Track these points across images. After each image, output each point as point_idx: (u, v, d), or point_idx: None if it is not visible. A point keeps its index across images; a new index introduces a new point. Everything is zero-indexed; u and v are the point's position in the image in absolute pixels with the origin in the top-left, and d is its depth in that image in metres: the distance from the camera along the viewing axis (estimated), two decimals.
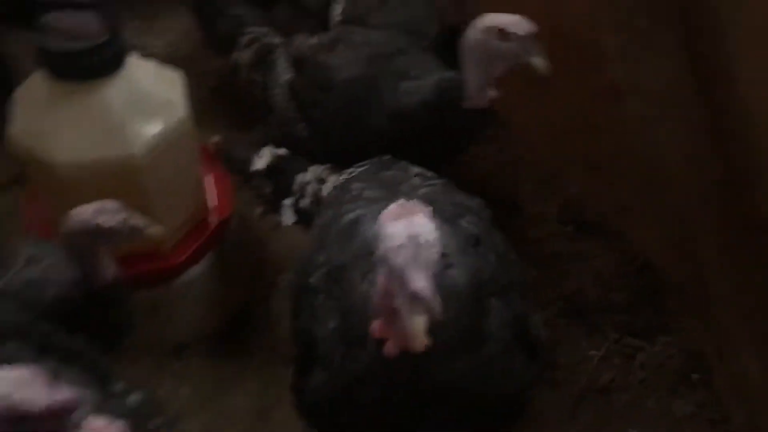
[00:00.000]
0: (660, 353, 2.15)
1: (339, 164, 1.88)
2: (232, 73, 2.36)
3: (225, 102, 2.76)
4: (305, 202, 1.89)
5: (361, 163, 1.80)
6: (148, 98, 1.79)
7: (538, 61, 1.76)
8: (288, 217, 1.95)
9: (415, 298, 1.07)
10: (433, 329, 1.12)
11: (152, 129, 1.77)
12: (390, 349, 1.19)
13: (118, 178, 1.72)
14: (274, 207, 1.99)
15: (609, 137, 2.36)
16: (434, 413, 1.38)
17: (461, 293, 1.31)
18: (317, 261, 1.47)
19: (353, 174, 1.76)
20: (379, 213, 1.33)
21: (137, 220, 1.50)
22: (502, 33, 1.73)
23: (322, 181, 1.87)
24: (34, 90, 1.77)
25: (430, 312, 1.08)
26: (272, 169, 1.98)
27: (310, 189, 1.88)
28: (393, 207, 1.16)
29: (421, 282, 1.07)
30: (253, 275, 2.31)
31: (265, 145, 2.02)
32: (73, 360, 1.20)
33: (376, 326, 1.22)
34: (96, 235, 1.46)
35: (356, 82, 1.97)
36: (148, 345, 2.04)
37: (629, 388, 2.08)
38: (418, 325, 1.09)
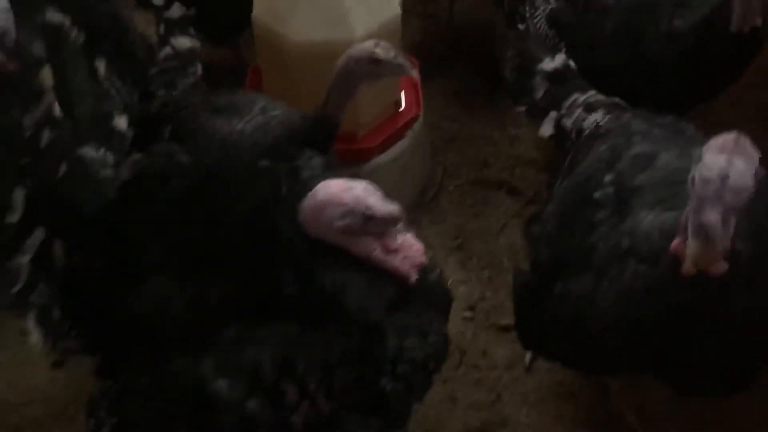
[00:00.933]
0: None
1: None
2: (496, 6, 2.50)
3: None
4: (568, 122, 1.93)
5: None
6: None
7: None
8: (547, 129, 1.99)
9: (700, 228, 1.15)
10: (730, 259, 1.20)
11: (372, 19, 2.03)
12: (687, 267, 1.24)
13: (337, 60, 1.99)
14: (538, 113, 2.04)
15: None
16: (693, 345, 1.41)
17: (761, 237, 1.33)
18: (604, 179, 1.58)
19: (626, 112, 1.85)
20: (674, 150, 1.48)
21: (405, 60, 1.70)
22: None
23: (590, 108, 1.90)
24: None
25: (712, 246, 1.15)
26: (557, 75, 2.02)
27: (577, 111, 1.91)
28: (726, 138, 1.20)
29: (711, 217, 1.14)
30: (427, 175, 2.55)
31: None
32: None
33: (677, 244, 1.27)
34: (370, 63, 1.67)
35: (635, 7, 2.05)
36: None
37: None
38: (694, 250, 1.17)
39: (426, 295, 1.42)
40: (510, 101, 2.31)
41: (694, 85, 2.03)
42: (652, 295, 1.38)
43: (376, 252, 1.30)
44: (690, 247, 1.18)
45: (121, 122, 1.55)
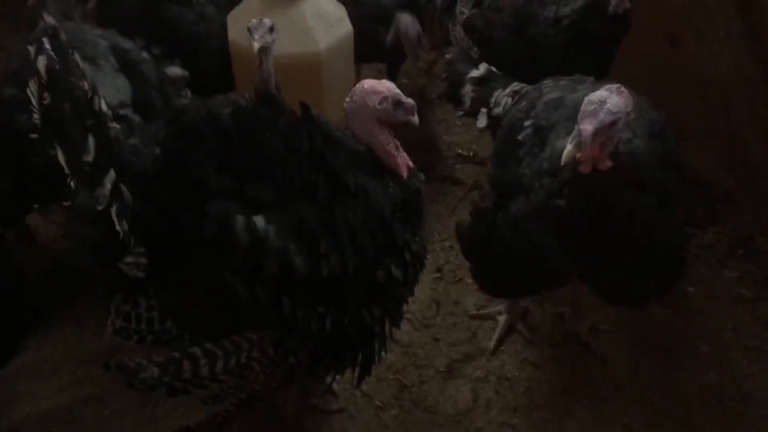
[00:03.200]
0: (710, 238, 2.68)
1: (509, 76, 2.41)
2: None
3: None
4: (498, 111, 2.32)
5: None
6: (328, 15, 2.48)
7: None
8: (482, 122, 2.39)
9: (577, 134, 1.61)
10: (617, 158, 1.65)
11: (330, 35, 2.45)
12: (584, 168, 1.69)
13: (305, 70, 2.40)
14: (473, 112, 2.46)
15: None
16: (600, 242, 1.78)
17: (641, 154, 1.78)
18: (524, 124, 2.00)
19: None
20: (578, 93, 1.88)
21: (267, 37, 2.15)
22: None
23: (517, 94, 2.27)
24: (249, 6, 2.51)
25: (583, 149, 1.60)
26: (482, 79, 2.46)
27: (505, 100, 2.30)
28: (610, 85, 1.66)
29: (585, 127, 1.59)
30: None
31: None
32: None
33: (575, 154, 1.66)
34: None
35: (526, 2, 2.55)
36: None
37: None
38: (567, 150, 1.62)
39: (412, 203, 1.76)
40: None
41: (577, 63, 2.41)
42: (562, 193, 1.79)
43: (391, 145, 1.69)
44: (566, 149, 1.64)
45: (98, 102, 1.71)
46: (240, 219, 1.54)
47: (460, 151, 3.13)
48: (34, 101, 1.53)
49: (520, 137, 2.00)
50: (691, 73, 2.95)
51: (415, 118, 1.71)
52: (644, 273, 1.89)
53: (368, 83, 1.70)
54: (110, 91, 2.09)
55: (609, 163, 1.69)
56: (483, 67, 2.52)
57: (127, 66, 2.21)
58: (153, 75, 2.28)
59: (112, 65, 2.16)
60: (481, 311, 2.44)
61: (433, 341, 2.35)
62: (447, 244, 2.68)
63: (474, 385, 2.23)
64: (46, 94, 1.52)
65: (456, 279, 2.54)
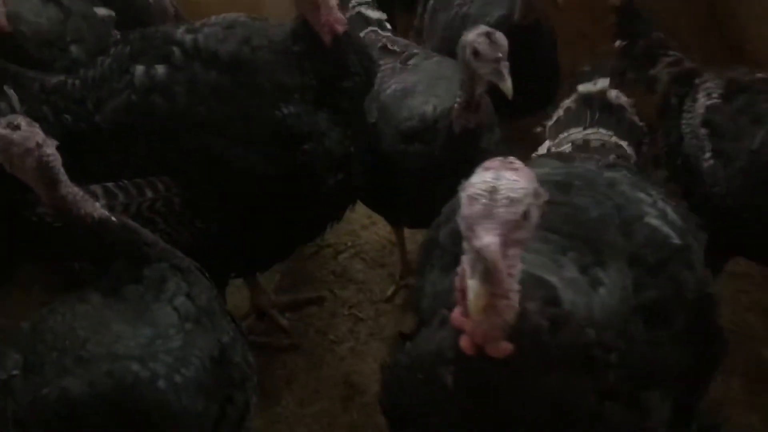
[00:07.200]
0: None
1: None
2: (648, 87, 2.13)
3: None
4: (552, 149, 1.71)
5: None
6: None
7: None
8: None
9: (477, 257, 0.86)
10: (521, 335, 0.90)
11: None
12: (465, 344, 0.92)
13: None
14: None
15: None
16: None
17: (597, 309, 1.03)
18: (442, 220, 1.32)
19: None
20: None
21: None
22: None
23: (582, 148, 1.65)
24: None
25: (493, 279, 0.86)
26: (586, 98, 1.77)
27: (565, 146, 1.68)
28: (493, 160, 0.95)
29: (487, 238, 0.86)
30: None
31: None
32: None
33: (455, 314, 0.97)
34: None
35: None
36: None
37: None
38: (473, 291, 0.86)
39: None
40: None
41: None
42: (444, 364, 1.03)
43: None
44: (469, 291, 0.88)
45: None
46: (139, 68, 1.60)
47: None
48: None
49: (440, 237, 1.30)
50: None
51: None
52: None
53: None
54: (41, 20, 2.04)
55: (506, 347, 0.94)
56: (603, 83, 1.76)
57: None
58: (80, 8, 2.19)
59: None
60: None
61: (389, 278, 2.24)
62: None
63: None
64: None
65: None
